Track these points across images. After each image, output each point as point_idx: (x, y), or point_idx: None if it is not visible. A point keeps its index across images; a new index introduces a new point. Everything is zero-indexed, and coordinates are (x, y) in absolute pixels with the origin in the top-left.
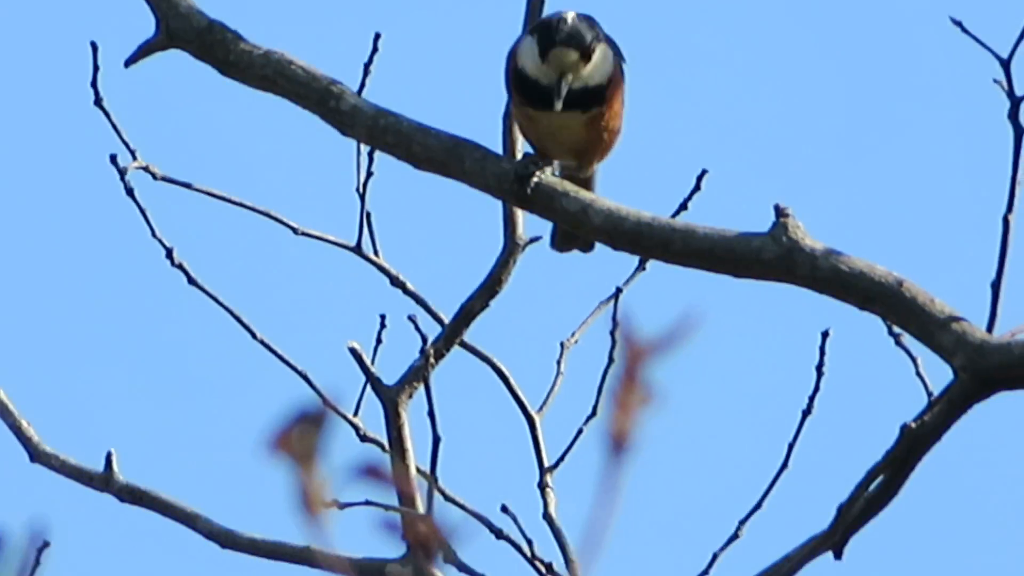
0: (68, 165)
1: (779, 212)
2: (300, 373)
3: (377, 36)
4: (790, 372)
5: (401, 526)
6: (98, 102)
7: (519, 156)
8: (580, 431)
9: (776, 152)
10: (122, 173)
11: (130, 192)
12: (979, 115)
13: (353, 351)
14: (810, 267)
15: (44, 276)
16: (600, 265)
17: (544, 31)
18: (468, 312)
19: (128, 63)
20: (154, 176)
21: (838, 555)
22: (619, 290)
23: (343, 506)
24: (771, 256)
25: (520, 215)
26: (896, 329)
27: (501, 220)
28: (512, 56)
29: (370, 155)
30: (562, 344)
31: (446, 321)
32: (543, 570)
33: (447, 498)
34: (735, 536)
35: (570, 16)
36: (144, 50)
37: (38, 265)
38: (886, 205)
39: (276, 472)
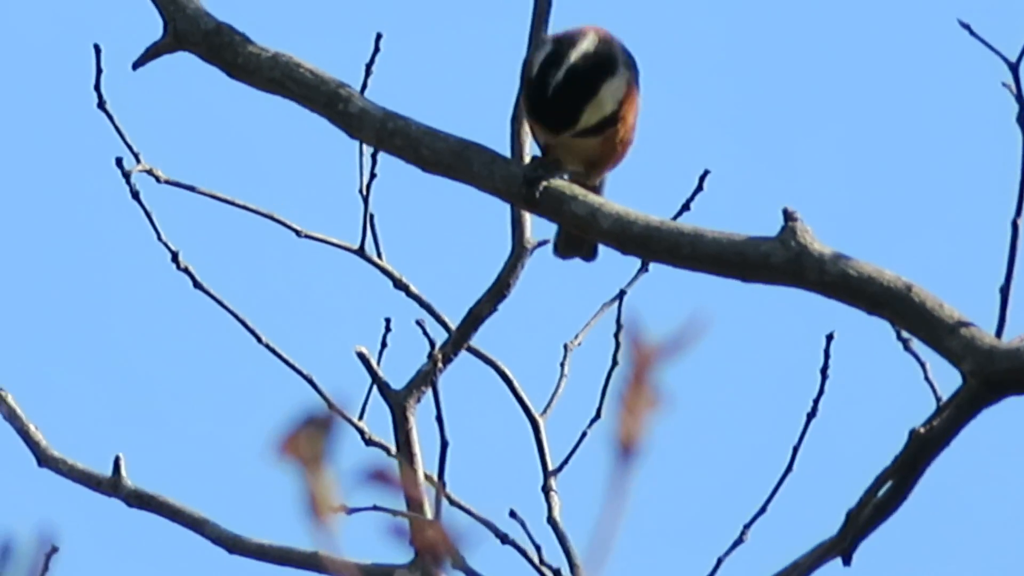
0: (73, 168)
1: (788, 216)
2: (305, 377)
3: (379, 36)
4: (799, 376)
5: (409, 531)
6: (101, 105)
7: (527, 159)
8: (584, 434)
9: (783, 155)
10: (127, 176)
11: (135, 195)
12: (987, 119)
13: (361, 355)
14: (819, 272)
15: (49, 279)
16: (603, 267)
17: (534, 80)
18: (475, 316)
19: (136, 66)
20: (158, 179)
21: (847, 561)
22: (623, 292)
23: (351, 511)
24: (780, 260)
25: (528, 218)
26: (905, 334)
27: (509, 223)
28: (526, 66)
29: (373, 157)
30: (565, 346)
31: (450, 324)
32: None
33: (453, 502)
34: (740, 540)
35: (582, 46)
36: (151, 52)
37: (44, 268)
38: (894, 208)
39: (283, 476)
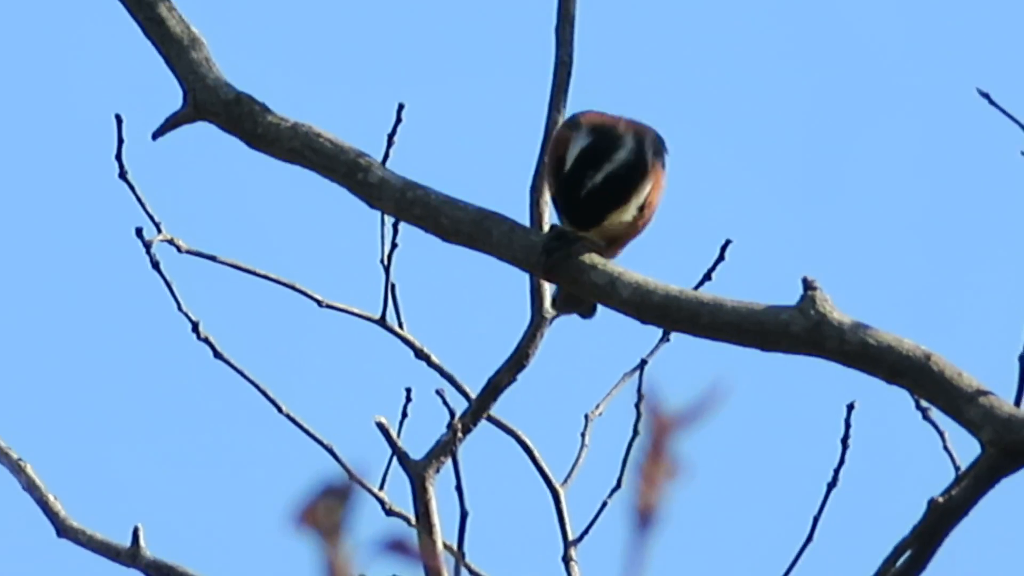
0: (94, 238)
1: (807, 285)
2: (325, 447)
3: (401, 107)
4: (817, 445)
5: None
6: (123, 175)
7: (546, 227)
8: (605, 504)
9: (803, 224)
10: (147, 246)
11: (155, 265)
12: (1006, 187)
13: (380, 426)
14: (838, 341)
15: (70, 350)
16: (624, 336)
17: (568, 176)
18: (495, 386)
19: (156, 136)
20: (179, 249)
21: None
22: (644, 361)
23: None
24: (799, 329)
25: (547, 287)
26: (924, 403)
27: (528, 293)
28: (556, 144)
29: (395, 226)
30: (586, 416)
31: (471, 394)
32: None
33: (473, 572)
34: None
35: (604, 172)
36: (171, 122)
37: (65, 339)
38: (913, 277)
39: (302, 547)
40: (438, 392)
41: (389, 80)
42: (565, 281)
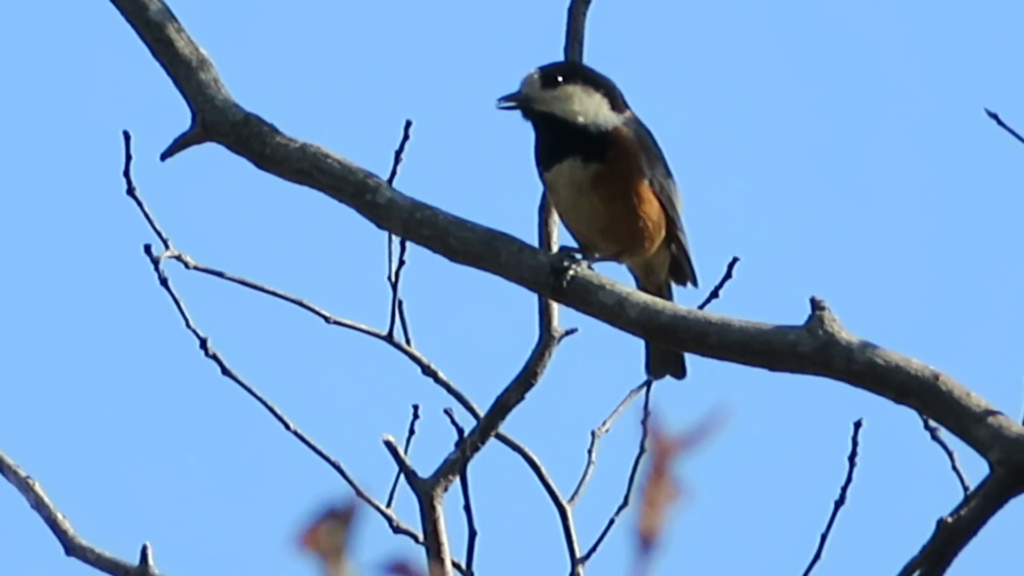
0: (102, 254)
1: (815, 305)
2: (333, 464)
3: (408, 124)
4: (826, 463)
5: None
6: (131, 191)
7: (555, 248)
8: (612, 521)
9: (811, 244)
10: (155, 262)
11: (164, 282)
12: (1014, 207)
13: (388, 444)
14: (846, 361)
15: (79, 367)
16: (630, 353)
17: None
18: (503, 404)
19: (164, 156)
20: (187, 265)
21: None
22: (650, 379)
23: None
24: (807, 350)
25: (555, 307)
26: (932, 423)
27: (536, 311)
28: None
29: (402, 244)
30: (593, 433)
31: (479, 411)
32: None
33: None
34: None
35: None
36: (180, 143)
37: (72, 356)
38: (921, 297)
39: (306, 567)
40: (447, 412)
41: (397, 99)
42: (574, 301)
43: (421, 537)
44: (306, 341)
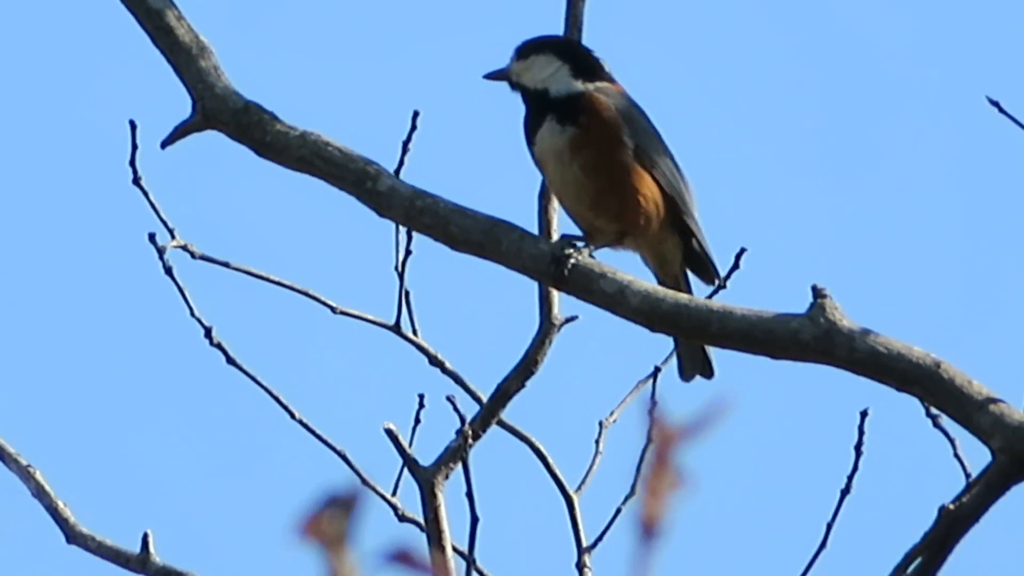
0: (107, 244)
1: (817, 293)
2: (338, 452)
3: (416, 114)
4: (828, 451)
5: None
6: (136, 181)
7: (555, 236)
8: (618, 511)
9: (813, 233)
10: (161, 252)
11: (169, 271)
12: (1017, 196)
13: (389, 432)
14: (848, 349)
15: (83, 356)
16: (637, 343)
17: None
18: (504, 392)
19: (164, 144)
20: (192, 255)
21: None
22: (657, 369)
23: None
24: (809, 337)
25: (556, 295)
26: (934, 410)
27: (537, 300)
28: None
29: (408, 234)
30: (600, 423)
31: (483, 400)
32: None
33: None
34: None
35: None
36: (180, 131)
37: (77, 345)
38: (923, 285)
39: (309, 555)
40: (448, 398)
41: (398, 88)
42: (575, 289)
43: (424, 526)
44: (312, 331)
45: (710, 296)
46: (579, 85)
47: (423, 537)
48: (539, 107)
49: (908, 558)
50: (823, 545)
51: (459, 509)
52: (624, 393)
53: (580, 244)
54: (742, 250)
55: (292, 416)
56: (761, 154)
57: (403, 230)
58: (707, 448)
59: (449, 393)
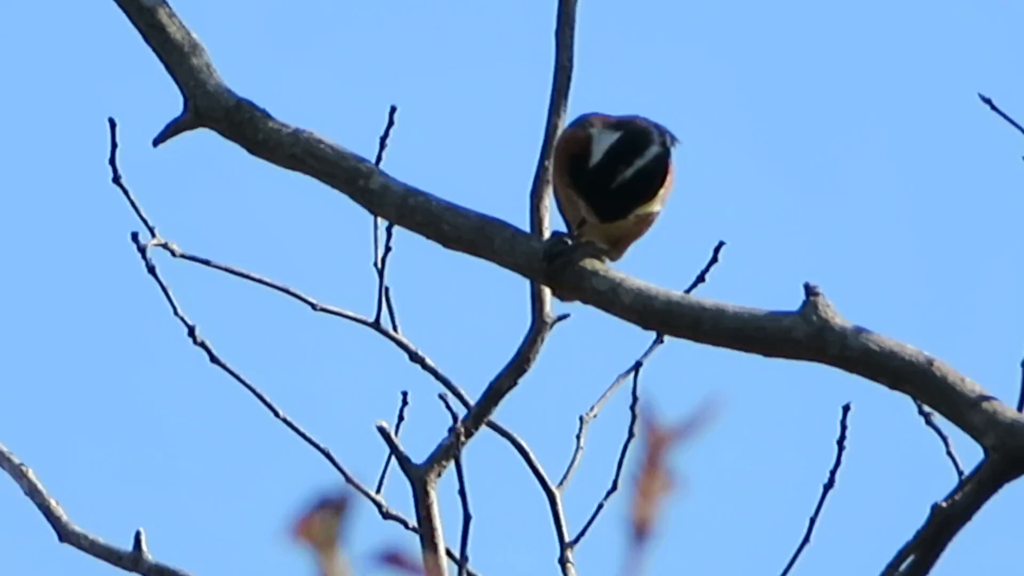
0: (88, 243)
1: (809, 291)
2: (323, 451)
3: (393, 109)
4: (818, 450)
5: None
6: (116, 179)
7: (547, 234)
8: (600, 506)
9: (804, 229)
10: (142, 251)
11: (151, 270)
12: (1008, 192)
13: (381, 430)
14: (840, 347)
15: (66, 355)
16: (618, 338)
17: (598, 167)
18: (496, 391)
19: (156, 142)
20: (174, 253)
21: None
22: (639, 363)
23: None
24: (801, 335)
25: (547, 293)
26: (927, 408)
27: (528, 297)
28: (571, 143)
29: (388, 230)
30: (581, 418)
31: (467, 398)
32: None
33: None
34: None
35: (636, 165)
36: (172, 129)
37: (60, 344)
38: (915, 282)
39: (298, 558)
40: (441, 396)
41: (387, 83)
42: (567, 288)
43: (412, 523)
44: (293, 328)
45: (688, 290)
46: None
47: (408, 535)
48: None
49: (900, 556)
50: (806, 540)
51: (447, 507)
52: (605, 388)
53: (572, 241)
54: (720, 244)
55: (276, 414)
56: (752, 149)
57: (383, 226)
58: (697, 446)
59: (432, 392)
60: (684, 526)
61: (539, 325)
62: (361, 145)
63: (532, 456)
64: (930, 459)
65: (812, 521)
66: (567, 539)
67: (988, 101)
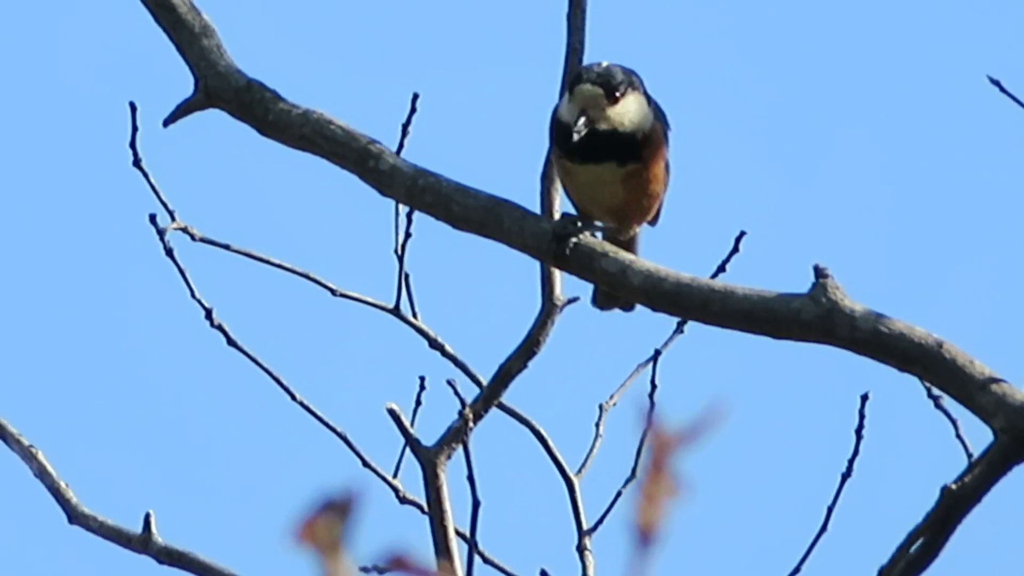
0: (108, 226)
1: (819, 273)
2: (339, 434)
3: (415, 96)
4: (828, 432)
5: None
6: (136, 163)
7: (557, 216)
8: (619, 494)
9: (814, 212)
10: (161, 234)
11: (169, 253)
12: (1019, 173)
13: (392, 412)
14: (850, 328)
15: (83, 337)
16: (638, 326)
17: (575, 73)
18: (506, 373)
19: (167, 123)
20: (192, 237)
21: None
22: (658, 352)
23: (382, 571)
24: (811, 317)
25: (557, 275)
26: (936, 391)
27: (539, 280)
28: (555, 111)
29: (408, 216)
30: (601, 406)
31: (483, 382)
32: None
33: (486, 560)
34: None
35: (604, 62)
36: (182, 109)
37: (77, 326)
38: (925, 265)
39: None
40: (448, 382)
41: (400, 68)
42: (576, 269)
43: (426, 508)
44: (312, 313)
45: (711, 278)
46: (651, 117)
47: (424, 520)
48: (606, 145)
49: (910, 538)
50: (824, 529)
51: (460, 491)
52: (625, 375)
53: (582, 223)
54: (742, 233)
55: (293, 398)
56: (763, 132)
57: (403, 212)
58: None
59: (449, 376)
60: (694, 524)
61: (549, 308)
62: (371, 128)
63: (550, 443)
64: (940, 442)
65: (830, 510)
66: (585, 527)
67: (997, 83)
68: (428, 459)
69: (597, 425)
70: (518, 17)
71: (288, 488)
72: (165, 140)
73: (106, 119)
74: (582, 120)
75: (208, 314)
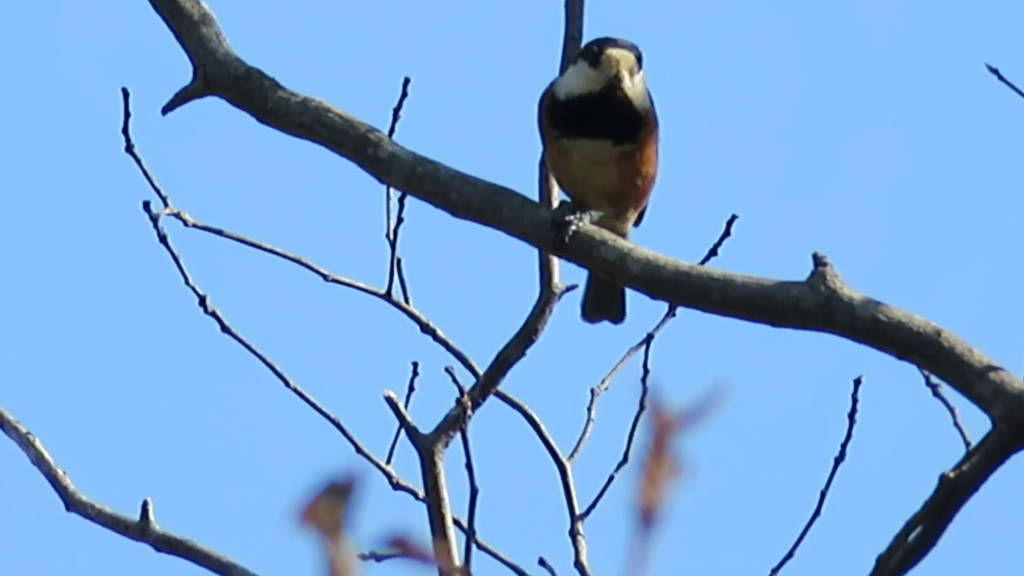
0: (101, 212)
1: (818, 261)
2: (333, 421)
3: (407, 81)
4: (827, 420)
5: None
6: (129, 149)
7: (555, 204)
8: (611, 478)
9: (813, 200)
10: (154, 220)
11: (163, 239)
12: (1018, 161)
13: (389, 400)
14: (848, 316)
15: (77, 323)
16: (630, 310)
17: (597, 43)
18: (504, 361)
19: (165, 110)
20: (186, 223)
21: None
22: (650, 336)
23: (380, 558)
24: (810, 305)
25: (555, 263)
26: (934, 379)
27: (537, 268)
28: (546, 94)
29: (400, 201)
30: (592, 391)
31: (477, 369)
32: None
33: (480, 547)
34: None
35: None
36: (181, 97)
37: (71, 313)
38: (924, 253)
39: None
40: (447, 370)
41: (398, 55)
42: (575, 256)
43: (421, 494)
44: (305, 298)
45: (701, 263)
46: (648, 95)
47: (418, 506)
48: (604, 119)
49: (909, 526)
50: (817, 513)
51: (456, 478)
52: (616, 360)
53: (581, 210)
54: (733, 217)
55: (287, 384)
56: (762, 121)
57: (395, 197)
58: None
59: (443, 363)
60: (688, 507)
61: (547, 295)
62: (371, 116)
63: (543, 428)
64: (938, 430)
65: (823, 495)
66: (578, 511)
67: (995, 71)
68: (426, 447)
69: (589, 410)
70: (516, 5)
71: (282, 474)
72: (161, 127)
73: (105, 107)
74: (626, 76)
75: (202, 300)
